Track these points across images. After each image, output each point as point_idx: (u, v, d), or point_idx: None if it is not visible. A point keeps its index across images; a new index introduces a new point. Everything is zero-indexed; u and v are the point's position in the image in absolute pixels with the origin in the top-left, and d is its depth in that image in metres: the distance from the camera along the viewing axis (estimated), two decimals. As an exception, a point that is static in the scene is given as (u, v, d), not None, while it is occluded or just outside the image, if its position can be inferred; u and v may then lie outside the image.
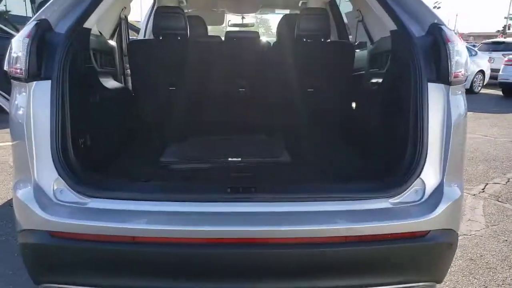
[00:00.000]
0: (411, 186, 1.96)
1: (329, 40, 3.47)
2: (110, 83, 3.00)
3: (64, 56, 1.94)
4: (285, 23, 3.87)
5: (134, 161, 2.56)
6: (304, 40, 3.33)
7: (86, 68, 2.34)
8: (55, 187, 1.88)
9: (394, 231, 1.87)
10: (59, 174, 1.86)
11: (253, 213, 1.87)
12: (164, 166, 2.45)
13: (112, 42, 3.37)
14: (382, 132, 2.50)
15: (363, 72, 3.76)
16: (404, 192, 1.95)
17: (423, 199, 1.97)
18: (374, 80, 3.13)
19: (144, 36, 4.51)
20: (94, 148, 2.37)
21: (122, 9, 3.44)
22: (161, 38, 3.26)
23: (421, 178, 1.96)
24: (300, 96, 3.54)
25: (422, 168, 1.95)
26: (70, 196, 1.88)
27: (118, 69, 3.44)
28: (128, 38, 3.69)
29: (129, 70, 3.55)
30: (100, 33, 2.99)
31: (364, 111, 2.89)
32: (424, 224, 1.89)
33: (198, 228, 1.79)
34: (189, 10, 5.23)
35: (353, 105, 3.19)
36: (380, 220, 1.87)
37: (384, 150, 2.40)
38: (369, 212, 1.91)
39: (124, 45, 3.58)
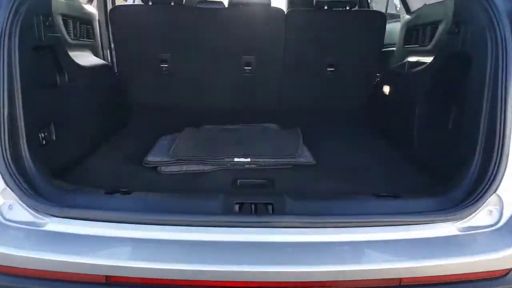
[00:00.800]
0: (484, 205, 1.45)
1: (355, 9, 2.86)
2: (87, 59, 2.42)
3: (9, 20, 1.40)
4: None
5: (115, 162, 2.01)
6: (326, 8, 2.73)
7: (48, 38, 1.76)
8: (1, 202, 1.39)
9: (464, 270, 1.37)
10: (7, 183, 1.37)
11: (272, 245, 1.35)
12: (151, 168, 1.91)
13: (91, 8, 2.76)
14: (434, 128, 1.96)
15: (393, 48, 3.19)
16: (474, 213, 1.45)
17: (500, 223, 1.47)
18: (412, 59, 2.55)
19: (134, 1, 3.87)
20: (61, 145, 1.83)
21: None
22: (151, 3, 2.65)
23: (497, 195, 1.45)
24: (319, 77, 2.98)
25: (500, 181, 1.44)
26: (23, 213, 1.40)
27: (100, 41, 2.85)
28: (114, 2, 3.07)
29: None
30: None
31: (403, 99, 2.33)
32: (503, 259, 1.38)
33: (194, 267, 1.28)
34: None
35: (386, 90, 2.63)
36: (446, 255, 1.37)
37: (437, 153, 1.87)
38: (429, 243, 1.40)
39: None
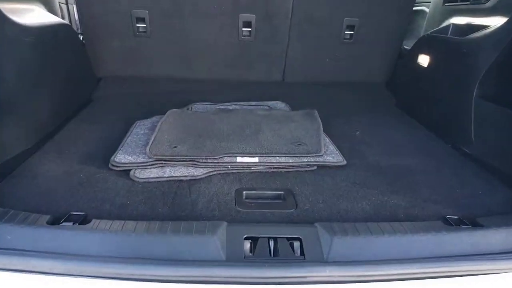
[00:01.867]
0: None
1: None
2: (34, 15, 1.79)
3: None
4: None
5: (68, 163, 1.43)
6: None
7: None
8: None
9: None
10: None
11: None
12: (120, 173, 1.35)
13: None
14: (502, 117, 1.45)
15: (422, 8, 2.61)
16: None
17: None
18: (459, 21, 1.99)
19: None
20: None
21: None
22: None
23: None
24: (335, 42, 2.42)
25: None
26: None
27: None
28: None
29: None
30: None
31: (452, 74, 1.79)
32: None
33: None
34: None
35: (423, 61, 2.07)
36: None
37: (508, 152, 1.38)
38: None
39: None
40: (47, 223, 1.01)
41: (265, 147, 1.49)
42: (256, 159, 1.42)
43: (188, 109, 2.05)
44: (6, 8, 1.49)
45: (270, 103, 2.24)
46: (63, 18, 2.27)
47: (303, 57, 2.50)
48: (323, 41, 2.45)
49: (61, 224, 1.02)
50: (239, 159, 1.42)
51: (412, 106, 2.15)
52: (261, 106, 2.16)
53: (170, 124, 1.69)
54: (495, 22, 1.68)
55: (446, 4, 2.19)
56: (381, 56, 2.55)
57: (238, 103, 2.21)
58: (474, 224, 1.11)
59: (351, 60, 2.52)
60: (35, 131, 1.57)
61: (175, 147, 1.45)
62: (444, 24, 2.17)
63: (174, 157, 1.38)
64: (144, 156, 1.40)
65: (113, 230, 0.98)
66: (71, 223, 1.02)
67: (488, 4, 1.79)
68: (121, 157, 1.40)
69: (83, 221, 1.05)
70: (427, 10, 2.60)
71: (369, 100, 2.40)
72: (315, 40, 2.44)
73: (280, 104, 2.22)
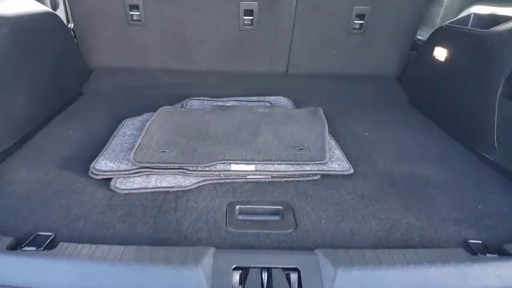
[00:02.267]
0: None
1: None
2: (13, 3, 1.63)
3: None
4: None
5: (43, 171, 1.29)
6: None
7: None
8: None
9: None
10: None
11: None
12: (100, 182, 1.21)
13: None
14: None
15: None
16: None
17: None
18: (481, 11, 1.80)
19: None
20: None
21: None
22: None
23: None
24: (343, 32, 2.25)
25: None
26: None
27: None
28: None
29: None
30: None
31: (473, 70, 1.61)
32: None
33: None
34: None
35: (439, 54, 1.89)
36: None
37: None
38: None
39: None
40: (8, 247, 0.88)
41: (263, 153, 1.34)
42: (252, 167, 1.27)
43: (182, 105, 1.90)
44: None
45: (272, 98, 2.08)
46: (54, 6, 2.12)
47: (308, 48, 2.33)
48: (330, 31, 2.27)
49: (22, 249, 0.88)
50: (233, 166, 1.27)
51: (427, 103, 1.97)
52: (262, 103, 2.00)
53: (160, 124, 1.54)
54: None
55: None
56: (393, 47, 2.37)
57: (238, 98, 2.06)
58: (501, 252, 0.96)
59: (360, 51, 2.34)
60: (13, 130, 1.44)
61: (162, 152, 1.30)
62: (463, 14, 1.98)
63: (161, 165, 1.23)
64: (128, 163, 1.26)
65: (81, 257, 0.85)
66: (34, 248, 0.89)
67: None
68: (102, 164, 1.26)
69: (49, 244, 0.92)
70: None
71: (380, 96, 2.22)
72: (322, 30, 2.27)
73: (282, 100, 2.06)
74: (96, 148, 1.41)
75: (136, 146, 1.31)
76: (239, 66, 2.37)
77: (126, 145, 1.40)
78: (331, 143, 1.49)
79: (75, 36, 2.22)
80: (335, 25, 2.25)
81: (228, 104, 1.94)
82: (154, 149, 1.32)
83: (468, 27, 1.80)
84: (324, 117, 1.68)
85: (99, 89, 2.13)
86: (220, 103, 1.94)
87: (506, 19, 1.57)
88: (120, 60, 2.30)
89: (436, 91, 1.89)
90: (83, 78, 2.19)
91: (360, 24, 2.26)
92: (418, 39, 2.39)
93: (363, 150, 1.52)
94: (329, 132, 1.57)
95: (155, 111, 1.68)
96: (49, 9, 1.91)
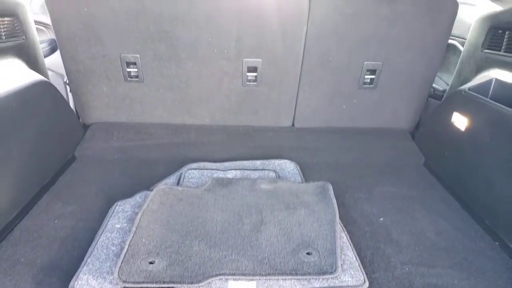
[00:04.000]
0: None
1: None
2: (9, 74, 1.52)
3: None
4: None
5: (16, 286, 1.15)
6: None
7: None
8: None
9: None
10: None
11: None
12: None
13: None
14: None
15: (453, 42, 2.26)
16: None
17: None
18: (503, 77, 1.64)
19: None
20: None
21: None
22: None
23: None
24: (352, 88, 2.12)
25: None
26: None
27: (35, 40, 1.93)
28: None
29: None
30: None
31: (494, 146, 1.44)
32: None
33: None
34: None
35: (458, 122, 1.72)
36: None
37: None
38: None
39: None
40: None
41: (266, 262, 1.18)
42: (253, 284, 1.12)
43: (180, 177, 1.76)
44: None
45: (277, 163, 1.94)
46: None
47: (316, 101, 2.19)
48: (339, 86, 2.14)
49: None
50: (231, 284, 1.12)
51: (448, 174, 1.81)
52: (266, 171, 1.85)
53: (153, 213, 1.40)
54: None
55: (486, 51, 1.83)
56: (406, 101, 2.22)
57: (241, 163, 1.92)
58: None
59: (371, 105, 2.19)
60: None
61: (151, 263, 1.16)
62: (482, 75, 1.82)
63: (148, 285, 1.08)
64: (112, 279, 1.11)
65: None
66: None
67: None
68: (84, 281, 1.11)
69: None
70: (459, 46, 2.25)
71: (393, 156, 2.07)
72: (330, 84, 2.13)
73: (288, 165, 1.92)
74: (81, 247, 1.27)
75: (122, 256, 1.17)
76: (243, 121, 2.25)
77: (113, 248, 1.25)
78: (342, 237, 1.33)
79: (70, 90, 2.12)
80: (344, 80, 2.12)
81: (229, 175, 1.79)
82: (143, 258, 1.17)
83: (492, 102, 1.61)
84: (334, 199, 1.52)
85: (93, 153, 2.01)
86: (220, 174, 1.80)
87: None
88: (117, 116, 2.19)
89: (460, 163, 1.72)
90: (77, 139, 2.07)
91: (371, 78, 2.12)
92: (435, 88, 2.25)
93: (378, 242, 1.36)
94: (339, 213, 1.42)
95: (151, 184, 1.55)
96: (43, 78, 1.79)
